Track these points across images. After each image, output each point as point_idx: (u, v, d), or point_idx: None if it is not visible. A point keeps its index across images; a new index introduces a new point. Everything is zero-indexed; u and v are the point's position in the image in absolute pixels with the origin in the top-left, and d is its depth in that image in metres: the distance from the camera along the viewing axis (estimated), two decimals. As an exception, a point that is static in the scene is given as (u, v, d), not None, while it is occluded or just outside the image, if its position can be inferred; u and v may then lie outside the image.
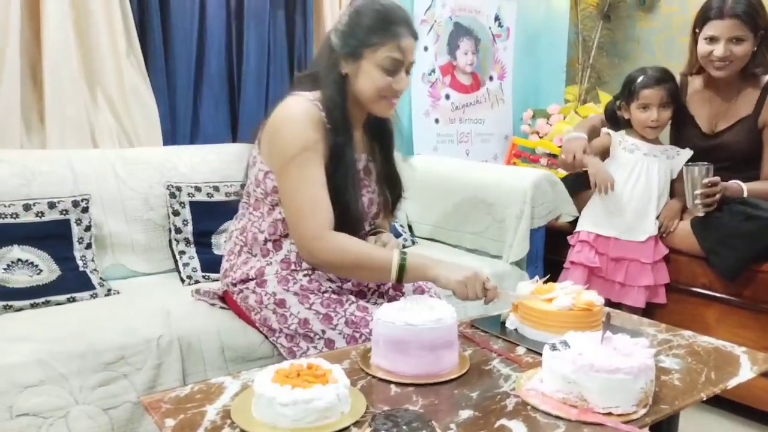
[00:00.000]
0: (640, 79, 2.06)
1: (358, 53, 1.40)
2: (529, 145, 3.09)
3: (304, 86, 1.48)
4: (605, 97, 3.03)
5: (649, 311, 2.06)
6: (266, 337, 1.52)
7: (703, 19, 2.02)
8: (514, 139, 3.17)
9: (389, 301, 1.48)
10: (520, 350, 1.26)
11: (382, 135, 1.59)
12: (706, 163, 1.97)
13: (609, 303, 2.00)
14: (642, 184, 2.09)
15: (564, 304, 1.26)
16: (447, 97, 3.05)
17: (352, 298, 1.45)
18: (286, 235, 1.48)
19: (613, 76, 3.26)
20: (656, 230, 2.08)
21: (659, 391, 1.07)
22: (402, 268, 1.36)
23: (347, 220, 1.43)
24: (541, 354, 1.13)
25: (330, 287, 1.46)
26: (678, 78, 2.16)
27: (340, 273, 1.46)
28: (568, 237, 2.20)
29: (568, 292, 1.30)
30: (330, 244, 1.37)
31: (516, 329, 1.35)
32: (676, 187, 2.12)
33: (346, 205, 1.42)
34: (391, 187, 1.61)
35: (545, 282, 1.38)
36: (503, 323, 1.38)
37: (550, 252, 2.42)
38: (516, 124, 3.30)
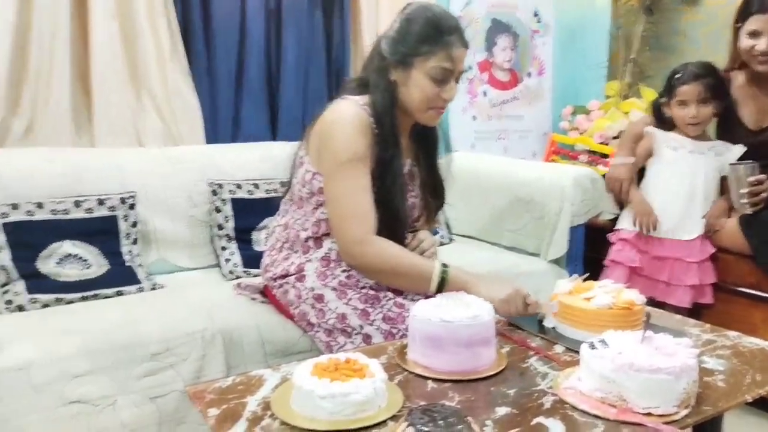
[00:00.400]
0: (678, 75, 2.02)
1: (408, 62, 1.40)
2: (569, 141, 3.05)
3: (352, 90, 1.50)
4: (648, 92, 2.97)
5: (695, 311, 2.01)
6: (305, 331, 1.55)
7: (744, 13, 1.97)
8: (553, 135, 3.13)
9: (426, 298, 1.49)
10: (558, 349, 1.25)
11: (426, 142, 1.59)
12: (751, 161, 1.92)
13: (653, 302, 1.97)
14: (687, 183, 2.05)
15: (603, 302, 1.25)
16: (484, 93, 3.03)
17: (390, 294, 1.46)
18: (327, 234, 1.50)
19: (657, 70, 3.18)
20: (702, 229, 2.03)
21: (702, 392, 1.05)
22: (443, 280, 1.39)
23: (393, 224, 1.45)
24: (579, 353, 1.12)
25: (368, 283, 1.48)
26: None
27: (380, 278, 1.46)
28: (609, 235, 2.17)
29: (608, 291, 1.28)
30: (373, 248, 1.40)
31: (554, 327, 1.34)
32: (725, 185, 2.07)
33: (393, 210, 1.45)
34: (434, 194, 1.62)
35: (584, 280, 1.37)
36: (541, 321, 1.37)
37: (590, 250, 2.39)
38: (555, 121, 3.26)
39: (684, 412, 0.98)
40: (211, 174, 2.05)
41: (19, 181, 1.75)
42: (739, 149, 2.05)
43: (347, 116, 1.42)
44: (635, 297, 1.28)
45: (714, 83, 1.99)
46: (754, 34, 1.94)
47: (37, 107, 1.95)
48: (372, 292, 1.45)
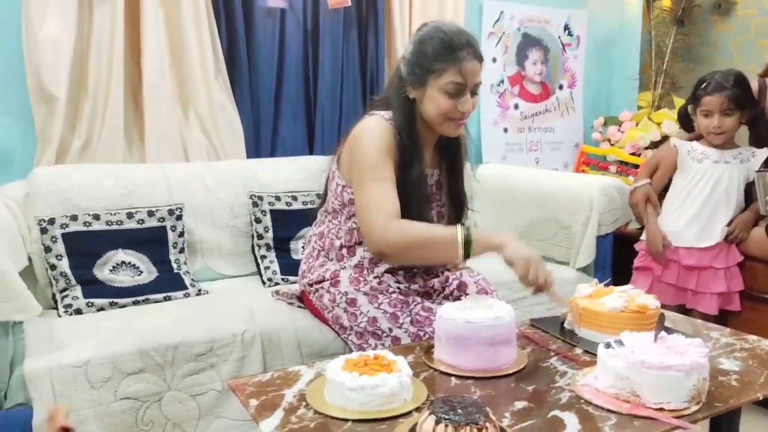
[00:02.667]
0: (704, 85, 2.04)
1: (423, 80, 1.48)
2: (599, 152, 3.08)
3: (378, 107, 1.59)
4: (680, 103, 2.97)
5: (723, 318, 2.02)
6: (338, 334, 1.63)
7: None
8: (583, 146, 3.17)
9: (456, 299, 1.56)
10: (578, 351, 1.31)
11: (450, 152, 1.66)
12: None
13: (682, 309, 2.00)
14: (709, 192, 2.07)
15: (615, 305, 1.30)
16: (516, 106, 3.09)
17: (418, 299, 1.54)
18: (360, 243, 1.59)
19: (689, 81, 3.17)
20: (722, 236, 2.04)
21: (715, 390, 1.10)
22: (468, 241, 1.39)
23: None
24: (595, 354, 1.18)
25: (398, 287, 1.56)
26: (756, 81, 2.12)
27: (410, 255, 1.47)
28: (636, 245, 2.20)
29: (623, 295, 1.33)
30: (394, 228, 1.41)
31: (573, 329, 1.39)
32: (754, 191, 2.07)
33: (411, 219, 1.50)
34: (455, 201, 1.67)
35: (606, 285, 1.42)
36: (562, 324, 1.43)
37: (619, 258, 2.41)
38: (587, 132, 3.30)
39: (695, 407, 1.03)
40: (252, 187, 2.16)
41: (77, 194, 1.90)
42: (764, 152, 2.06)
43: (373, 128, 1.51)
44: (649, 302, 1.32)
45: (738, 94, 2.00)
46: None
47: (94, 125, 2.10)
48: (402, 297, 1.53)
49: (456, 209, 1.68)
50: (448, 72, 1.45)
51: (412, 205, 1.50)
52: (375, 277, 1.57)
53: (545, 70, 3.16)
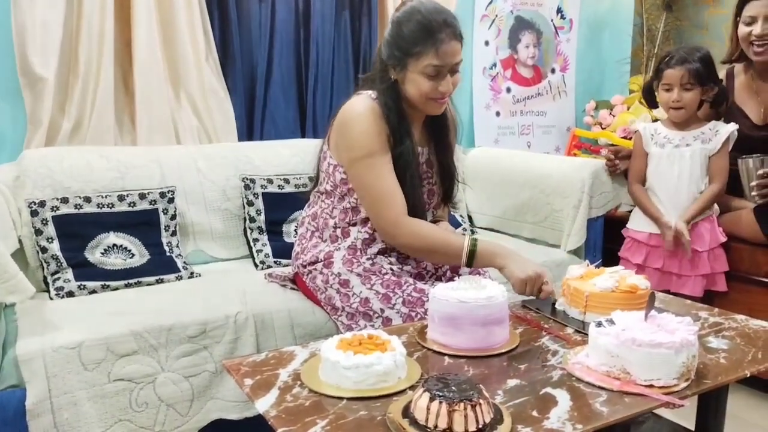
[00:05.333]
0: (666, 59, 2.02)
1: (403, 63, 1.48)
2: (591, 136, 3.09)
3: (366, 87, 1.60)
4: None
5: (709, 301, 2.04)
6: (329, 315, 1.64)
7: (742, 2, 2.03)
8: (574, 130, 3.18)
9: (448, 281, 1.57)
10: (569, 330, 1.33)
11: (438, 130, 1.66)
12: (760, 154, 1.95)
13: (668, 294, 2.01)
14: (675, 176, 2.05)
15: (606, 285, 1.32)
16: (508, 90, 3.09)
17: (410, 280, 1.55)
18: (354, 224, 1.60)
19: (680, 65, 3.20)
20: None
21: (703, 368, 1.12)
22: (472, 253, 1.47)
23: (410, 210, 1.53)
24: (586, 333, 1.20)
25: (390, 269, 1.57)
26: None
27: (417, 255, 1.59)
28: (623, 230, 2.21)
29: (614, 276, 1.35)
30: (408, 229, 1.51)
31: (564, 310, 1.41)
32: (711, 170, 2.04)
33: (408, 197, 1.53)
34: (445, 177, 1.68)
35: (596, 266, 1.44)
36: (554, 304, 1.45)
37: (609, 241, 2.43)
38: (578, 116, 3.31)
39: (684, 384, 1.05)
40: (244, 169, 2.16)
41: (68, 177, 1.88)
42: (728, 128, 2.01)
43: (361, 110, 1.52)
44: (639, 282, 1.34)
45: (700, 69, 1.96)
46: (751, 20, 2.00)
47: (85, 108, 2.08)
48: (394, 278, 1.54)
49: (446, 186, 1.69)
50: (427, 55, 1.45)
51: (405, 184, 1.52)
52: (368, 259, 1.58)
53: (538, 54, 3.15)
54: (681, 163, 2.04)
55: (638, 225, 2.15)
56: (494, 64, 3.04)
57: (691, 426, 1.42)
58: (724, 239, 2.06)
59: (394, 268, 1.58)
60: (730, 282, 2.07)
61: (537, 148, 3.16)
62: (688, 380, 1.06)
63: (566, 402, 1.00)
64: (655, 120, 2.81)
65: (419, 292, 1.49)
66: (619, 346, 1.06)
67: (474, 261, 1.48)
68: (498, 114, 3.07)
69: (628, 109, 3.03)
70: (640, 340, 1.05)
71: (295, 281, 1.76)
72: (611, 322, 1.14)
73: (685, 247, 1.99)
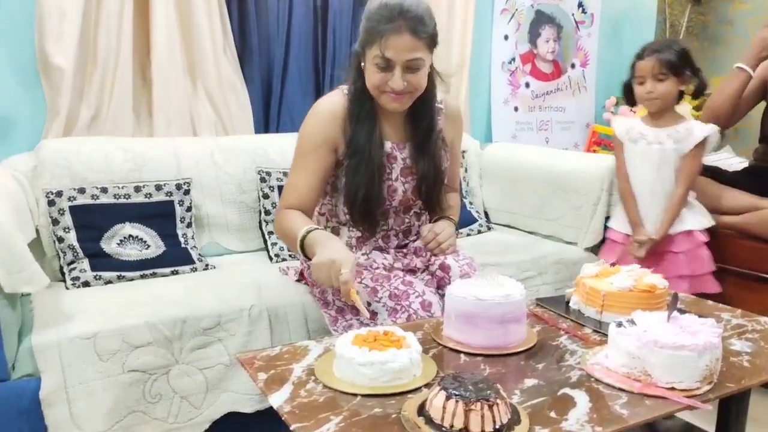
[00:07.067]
0: (638, 53, 1.98)
1: (362, 51, 1.46)
2: (610, 132, 3.02)
3: (347, 77, 1.57)
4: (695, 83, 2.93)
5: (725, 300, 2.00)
6: (321, 308, 1.63)
7: None
8: (594, 126, 3.14)
9: (439, 280, 1.56)
10: (587, 330, 1.30)
11: (417, 131, 1.58)
12: None
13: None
14: (648, 176, 2.01)
15: (624, 284, 1.29)
16: (527, 85, 3.06)
17: (400, 273, 1.53)
18: (345, 223, 1.60)
19: (704, 61, 3.15)
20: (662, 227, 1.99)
21: (726, 371, 1.09)
22: (302, 241, 1.39)
23: (365, 204, 1.52)
24: (604, 333, 1.17)
25: (382, 263, 1.57)
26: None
27: (285, 244, 1.66)
28: (607, 232, 2.16)
29: (632, 275, 1.32)
30: (277, 219, 1.53)
31: (579, 309, 1.39)
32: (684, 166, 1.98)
33: (363, 190, 1.50)
34: (424, 184, 1.59)
35: (612, 265, 1.41)
36: (567, 303, 1.42)
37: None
38: (598, 112, 3.26)
39: (706, 387, 1.02)
40: (260, 162, 2.15)
41: (85, 167, 1.88)
42: (705, 130, 1.95)
43: (321, 107, 1.54)
44: (657, 281, 1.31)
45: (671, 58, 1.91)
46: None
47: (103, 97, 2.08)
48: (384, 273, 1.53)
49: (426, 191, 1.60)
50: (377, 45, 1.40)
51: (359, 170, 1.50)
52: (363, 254, 1.59)
53: (558, 49, 3.11)
54: (651, 162, 2.00)
55: (617, 225, 2.11)
56: (513, 59, 3.00)
57: (711, 429, 1.39)
58: (704, 239, 2.01)
59: (386, 263, 1.57)
60: (744, 281, 2.00)
61: (555, 144, 3.12)
62: (711, 383, 1.04)
63: (585, 403, 0.98)
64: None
65: (407, 285, 1.47)
66: (640, 348, 1.04)
67: (305, 249, 1.39)
68: (516, 109, 3.04)
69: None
70: (663, 342, 1.02)
71: (302, 275, 1.75)
72: (632, 322, 1.11)
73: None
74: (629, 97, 2.08)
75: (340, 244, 1.38)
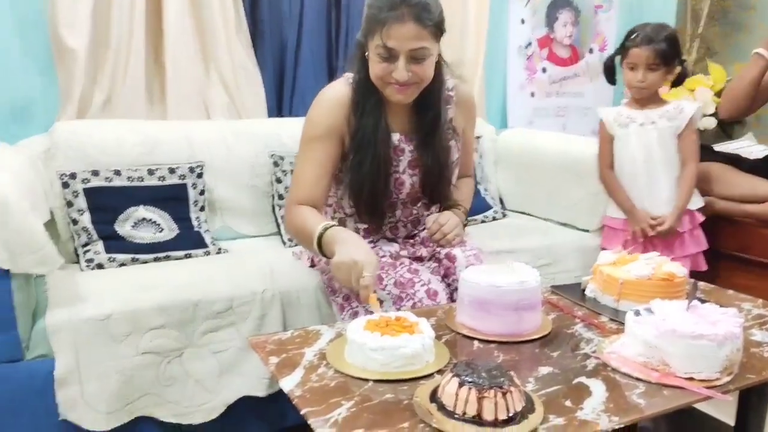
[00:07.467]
0: (632, 37, 1.96)
1: (366, 41, 1.42)
2: (629, 119, 2.98)
3: (352, 65, 1.53)
4: (715, 69, 2.87)
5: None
6: (328, 296, 1.62)
7: None
8: (613, 113, 3.08)
9: (446, 269, 1.54)
10: (603, 318, 1.28)
11: (423, 124, 1.53)
12: None
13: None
14: (643, 157, 2.01)
15: (642, 273, 1.27)
16: (544, 70, 3.01)
17: (406, 262, 1.51)
18: (352, 215, 1.57)
19: (726, 46, 3.08)
20: (671, 204, 2.00)
21: (747, 362, 1.07)
22: (320, 238, 1.35)
23: (371, 197, 1.49)
24: (621, 322, 1.15)
25: (389, 251, 1.55)
26: None
27: (298, 241, 1.61)
28: (604, 220, 2.16)
29: (651, 263, 1.29)
30: (288, 216, 1.49)
31: (595, 297, 1.36)
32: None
33: (369, 182, 1.47)
34: (428, 180, 1.55)
35: (629, 253, 1.38)
36: (583, 291, 1.40)
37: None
38: (617, 98, 3.19)
39: (726, 378, 1.00)
40: (273, 146, 2.13)
41: (99, 150, 1.88)
42: (693, 106, 1.98)
43: (325, 96, 1.50)
44: (676, 269, 1.28)
45: (666, 50, 1.92)
46: None
47: (116, 81, 2.07)
48: (390, 260, 1.51)
49: (429, 187, 1.56)
50: (378, 34, 1.35)
51: (364, 164, 1.46)
52: (370, 242, 1.57)
53: (575, 33, 3.05)
54: (649, 142, 2.00)
55: (613, 212, 2.11)
56: (530, 43, 2.95)
57: (731, 421, 1.37)
58: (701, 219, 2.05)
59: (392, 251, 1.55)
60: (737, 264, 2.05)
61: (572, 130, 3.07)
62: (731, 374, 1.01)
63: (601, 392, 0.97)
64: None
65: (413, 273, 1.45)
66: (658, 337, 1.02)
67: (323, 248, 1.35)
68: (533, 95, 2.99)
69: (670, 90, 2.92)
70: (681, 331, 1.00)
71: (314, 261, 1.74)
72: (649, 311, 1.09)
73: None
74: (609, 75, 2.09)
75: (362, 243, 1.33)
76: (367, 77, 1.44)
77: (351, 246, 1.28)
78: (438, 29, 1.39)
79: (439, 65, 1.48)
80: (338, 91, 1.50)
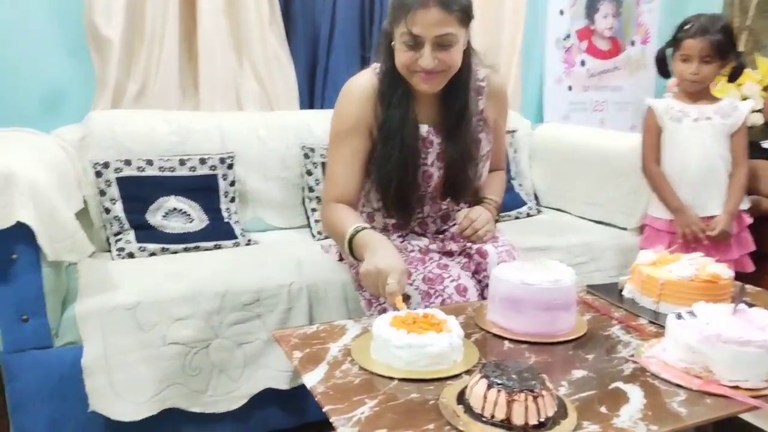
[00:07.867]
0: (686, 28, 1.86)
1: (392, 29, 1.38)
2: (672, 114, 2.88)
3: (379, 56, 1.49)
4: (763, 63, 2.74)
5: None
6: (356, 289, 1.59)
7: None
8: (654, 108, 2.98)
9: (477, 265, 1.49)
10: (642, 320, 1.22)
11: (449, 117, 1.48)
12: None
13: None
14: (697, 154, 1.90)
15: (685, 274, 1.20)
16: (582, 63, 2.92)
17: (435, 256, 1.47)
18: (379, 209, 1.54)
19: (776, 39, 2.94)
20: (720, 206, 1.90)
21: (797, 371, 1.00)
22: (351, 241, 1.34)
23: (399, 190, 1.45)
24: (661, 325, 1.10)
25: (418, 246, 1.51)
26: None
27: (335, 242, 1.55)
28: (646, 220, 2.05)
29: (694, 263, 1.23)
30: (324, 214, 1.47)
31: (633, 298, 1.30)
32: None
33: (396, 175, 1.44)
34: (450, 169, 1.50)
35: (671, 252, 1.32)
36: (620, 291, 1.34)
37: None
38: (659, 92, 3.09)
39: (775, 387, 0.94)
40: (304, 138, 2.12)
41: (131, 139, 1.89)
42: (748, 105, 1.90)
43: (352, 88, 1.47)
44: (721, 271, 1.21)
45: (721, 41, 1.83)
46: None
47: (150, 71, 2.08)
48: (419, 255, 1.47)
49: (452, 178, 1.51)
50: (402, 22, 1.31)
51: (391, 157, 1.43)
52: (399, 236, 1.54)
53: (617, 25, 2.96)
54: (703, 138, 1.90)
55: (657, 212, 1.99)
56: (568, 35, 2.87)
57: (774, 432, 1.30)
58: (750, 221, 1.96)
59: (422, 245, 1.52)
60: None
61: (611, 125, 2.98)
62: (780, 384, 0.95)
63: (639, 399, 0.91)
64: (745, 98, 2.59)
65: (442, 268, 1.41)
66: (701, 342, 0.96)
67: (354, 250, 1.34)
68: (570, 88, 2.91)
69: (717, 85, 2.81)
70: (727, 336, 0.94)
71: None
72: (692, 314, 1.03)
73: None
74: (662, 69, 2.00)
75: (390, 249, 1.29)
76: (394, 67, 1.41)
77: (378, 254, 1.26)
78: (465, 15, 1.35)
79: (467, 54, 1.43)
80: (364, 83, 1.47)
